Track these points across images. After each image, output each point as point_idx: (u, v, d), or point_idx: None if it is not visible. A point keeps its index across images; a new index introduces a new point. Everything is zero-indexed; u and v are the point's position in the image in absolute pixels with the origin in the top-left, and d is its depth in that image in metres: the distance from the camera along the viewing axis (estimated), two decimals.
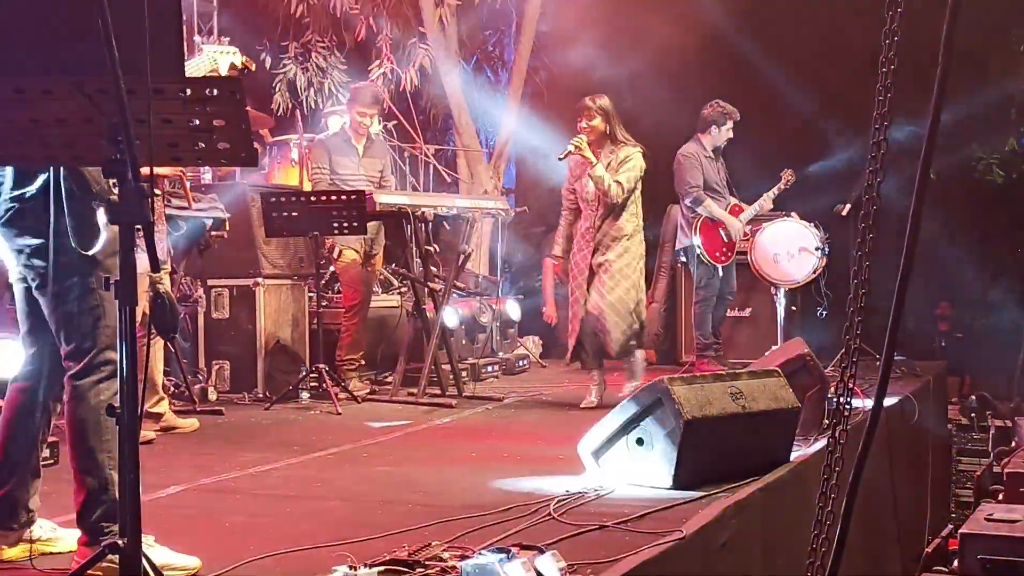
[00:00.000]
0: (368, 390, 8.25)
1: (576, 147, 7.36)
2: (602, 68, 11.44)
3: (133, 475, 2.58)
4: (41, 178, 3.44)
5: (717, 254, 9.07)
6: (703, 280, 9.18)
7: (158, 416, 6.34)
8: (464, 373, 8.64)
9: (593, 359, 7.58)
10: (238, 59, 6.25)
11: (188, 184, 6.90)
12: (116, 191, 2.66)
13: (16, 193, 3.50)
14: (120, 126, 2.57)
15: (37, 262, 3.54)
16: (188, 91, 2.86)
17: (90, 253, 3.38)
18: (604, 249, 7.42)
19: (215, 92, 2.86)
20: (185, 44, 10.38)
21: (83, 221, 3.41)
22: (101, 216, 3.39)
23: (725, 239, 9.10)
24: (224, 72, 6.24)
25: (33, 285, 3.59)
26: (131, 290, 2.63)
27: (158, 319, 2.72)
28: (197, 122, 2.88)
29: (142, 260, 6.46)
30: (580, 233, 7.52)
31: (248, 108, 3.02)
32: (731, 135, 9.18)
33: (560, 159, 7.54)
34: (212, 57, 6.08)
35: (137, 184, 2.60)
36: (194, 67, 6.11)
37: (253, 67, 6.66)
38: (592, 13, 11.51)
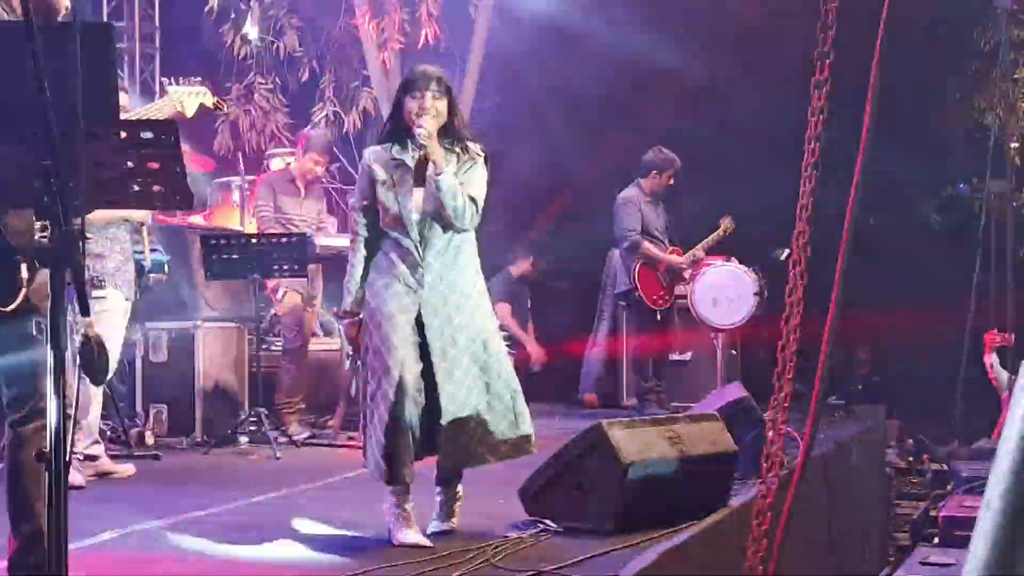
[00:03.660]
0: (308, 434, 8.20)
1: (429, 135, 4.68)
2: (544, 106, 11.52)
3: (60, 519, 2.55)
4: None
5: (655, 298, 9.12)
6: (642, 324, 9.23)
7: (93, 458, 6.27)
8: None
9: (447, 465, 4.86)
10: (208, 99, 6.17)
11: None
12: (46, 237, 2.64)
13: None
14: (52, 170, 2.56)
15: None
16: (122, 134, 2.85)
17: (8, 310, 3.35)
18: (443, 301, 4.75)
19: (150, 135, 2.86)
20: (154, 85, 10.40)
21: (1, 277, 3.38)
22: (23, 271, 3.36)
23: (664, 283, 9.15)
24: (190, 114, 6.16)
25: None
26: (60, 334, 2.60)
27: (87, 364, 2.70)
28: (131, 164, 2.87)
29: (115, 298, 6.36)
30: (386, 270, 4.78)
31: (185, 150, 3.01)
32: (671, 183, 9.25)
33: (421, 143, 4.70)
34: (177, 99, 5.99)
35: (68, 228, 2.58)
36: (155, 109, 6.02)
37: (224, 107, 6.55)
38: (535, 55, 11.61)
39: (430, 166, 4.72)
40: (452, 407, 4.62)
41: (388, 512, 4.71)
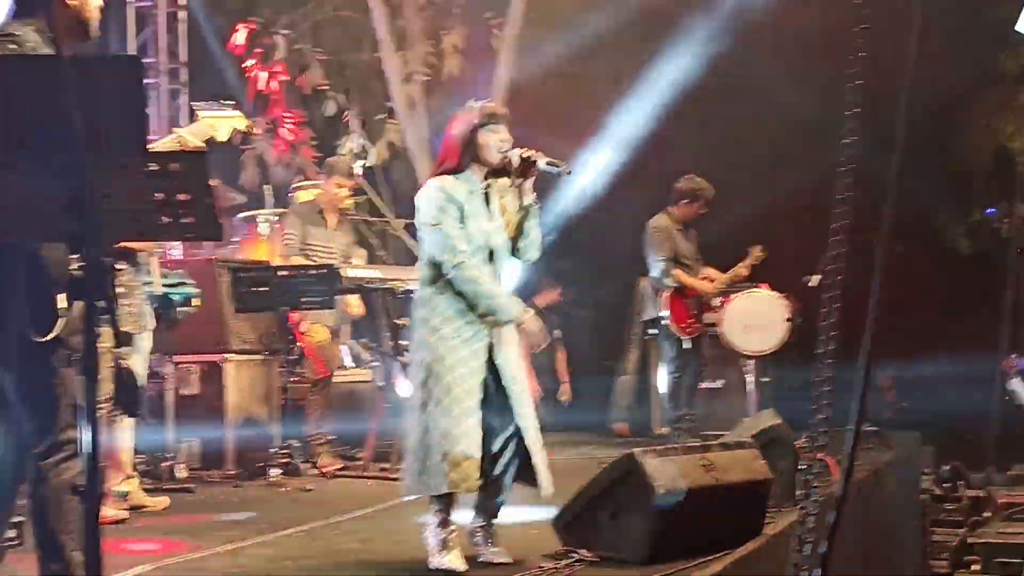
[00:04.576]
0: (339, 466, 8.18)
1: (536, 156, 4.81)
2: (569, 136, 11.54)
3: (94, 554, 2.53)
4: None
5: (684, 326, 9.05)
6: (672, 352, 9.17)
7: (124, 495, 6.25)
8: None
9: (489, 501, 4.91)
10: (241, 123, 6.14)
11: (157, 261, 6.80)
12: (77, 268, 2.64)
13: None
14: (82, 201, 2.56)
15: None
16: (152, 165, 2.85)
17: (44, 340, 3.35)
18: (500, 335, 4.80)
19: (179, 166, 2.85)
20: (180, 120, 10.46)
21: (39, 307, 3.38)
22: (61, 301, 3.36)
23: (693, 310, 9.09)
24: (224, 138, 6.13)
25: None
26: (93, 367, 2.60)
27: (121, 396, 2.69)
28: (161, 196, 2.87)
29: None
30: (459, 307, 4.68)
31: (214, 182, 3.01)
32: (703, 211, 9.19)
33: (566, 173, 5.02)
34: (209, 123, 5.95)
35: (99, 260, 2.58)
36: (188, 133, 5.95)
37: (257, 131, 6.47)
38: (557, 95, 11.64)
39: (508, 199, 4.79)
40: (532, 431, 4.76)
41: (429, 533, 4.69)
